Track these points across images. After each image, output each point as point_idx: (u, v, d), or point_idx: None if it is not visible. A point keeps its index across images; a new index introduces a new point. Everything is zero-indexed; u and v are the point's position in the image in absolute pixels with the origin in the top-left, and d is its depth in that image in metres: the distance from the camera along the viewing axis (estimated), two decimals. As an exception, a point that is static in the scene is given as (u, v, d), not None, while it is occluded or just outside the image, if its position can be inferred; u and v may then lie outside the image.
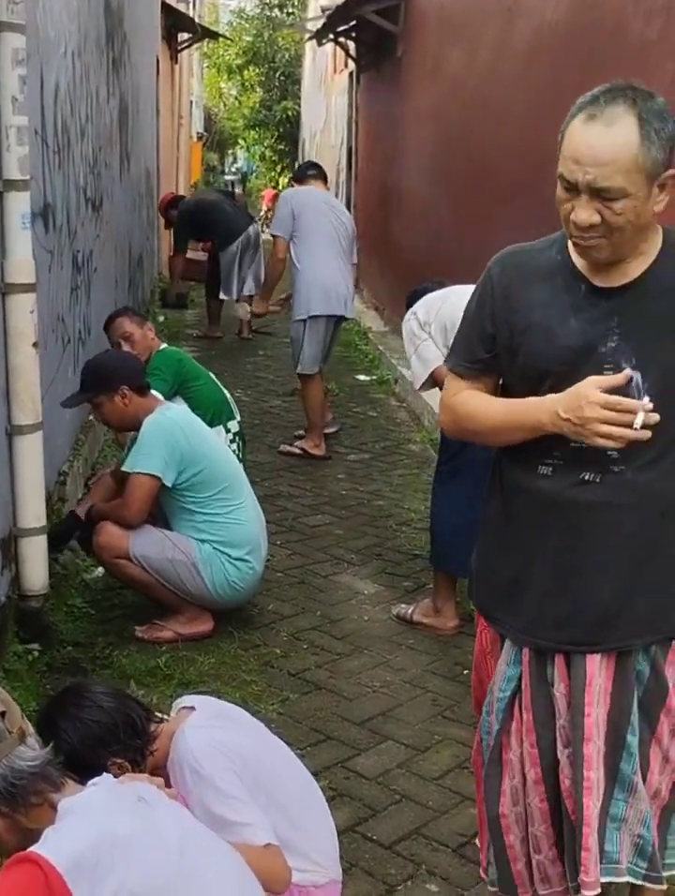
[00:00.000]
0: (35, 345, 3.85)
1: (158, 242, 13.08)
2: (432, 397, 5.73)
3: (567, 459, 2.08)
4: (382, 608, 4.56)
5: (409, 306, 4.44)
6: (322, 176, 7.17)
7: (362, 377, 9.24)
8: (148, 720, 2.43)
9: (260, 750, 2.46)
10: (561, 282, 2.09)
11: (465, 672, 3.88)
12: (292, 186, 7.04)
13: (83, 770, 2.25)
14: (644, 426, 1.92)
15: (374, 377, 9.27)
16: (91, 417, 5.56)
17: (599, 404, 1.93)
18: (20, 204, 3.77)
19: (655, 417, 1.93)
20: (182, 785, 2.31)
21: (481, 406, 2.21)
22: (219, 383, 5.38)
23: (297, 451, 6.82)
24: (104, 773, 2.23)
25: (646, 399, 1.94)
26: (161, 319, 10.98)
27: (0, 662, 3.58)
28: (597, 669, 2.12)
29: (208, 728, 2.41)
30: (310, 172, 7.14)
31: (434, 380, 4.18)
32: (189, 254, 10.91)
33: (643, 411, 1.92)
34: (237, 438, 5.30)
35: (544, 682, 2.18)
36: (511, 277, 2.16)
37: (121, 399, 4.12)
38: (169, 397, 5.00)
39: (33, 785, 1.89)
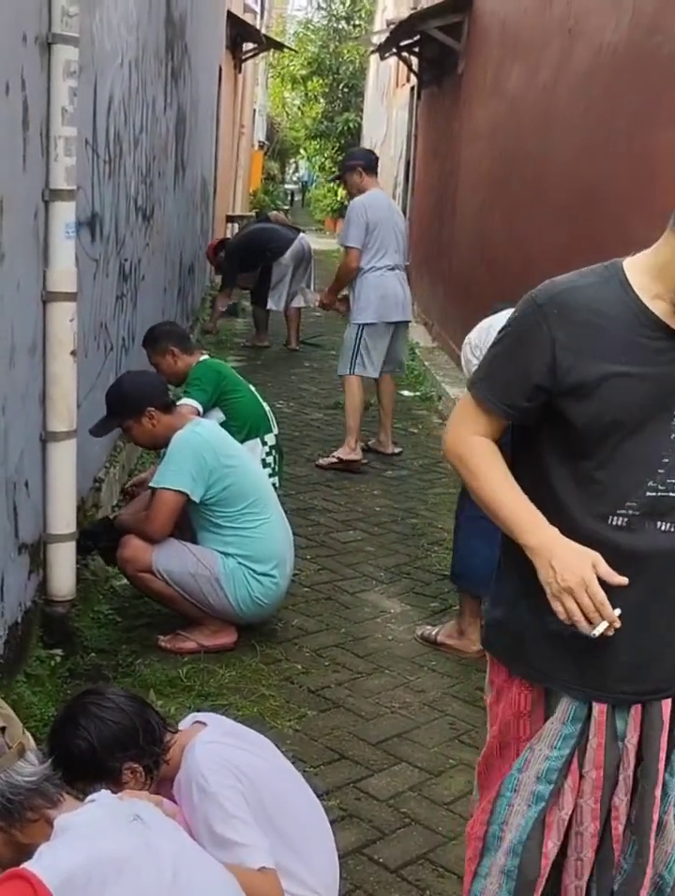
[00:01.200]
0: (73, 353, 3.90)
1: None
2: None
3: (643, 510, 1.99)
4: (407, 628, 4.55)
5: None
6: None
7: (406, 392, 9.13)
8: (165, 728, 2.44)
9: (268, 772, 2.46)
10: (634, 326, 1.96)
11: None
12: (359, 172, 6.89)
13: (99, 773, 2.26)
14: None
15: (418, 393, 9.22)
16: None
17: (586, 587, 1.90)
18: (65, 214, 3.82)
19: (613, 630, 1.93)
20: (187, 800, 2.31)
21: (483, 479, 2.07)
22: (259, 396, 5.40)
23: (334, 460, 6.82)
24: (112, 781, 2.26)
25: (618, 611, 1.92)
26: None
27: (22, 666, 3.62)
28: (669, 713, 2.12)
29: (219, 745, 2.41)
30: (376, 167, 7.10)
31: None
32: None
33: (607, 623, 1.91)
34: (274, 451, 5.31)
35: (615, 737, 2.12)
36: (576, 322, 1.97)
37: (148, 420, 4.15)
38: (208, 408, 5.05)
39: (30, 801, 1.91)
